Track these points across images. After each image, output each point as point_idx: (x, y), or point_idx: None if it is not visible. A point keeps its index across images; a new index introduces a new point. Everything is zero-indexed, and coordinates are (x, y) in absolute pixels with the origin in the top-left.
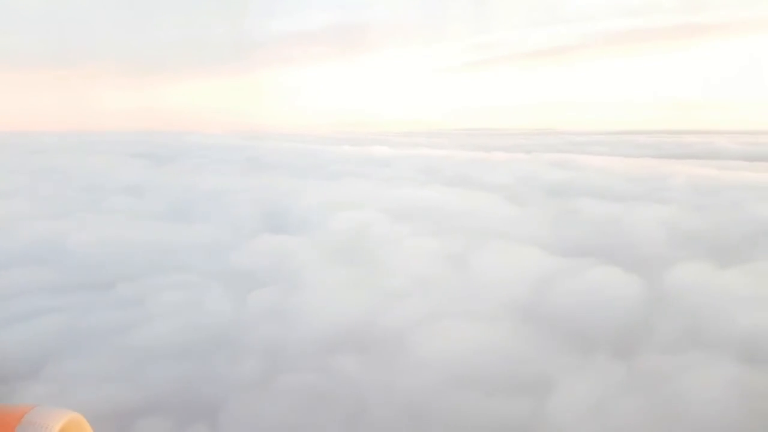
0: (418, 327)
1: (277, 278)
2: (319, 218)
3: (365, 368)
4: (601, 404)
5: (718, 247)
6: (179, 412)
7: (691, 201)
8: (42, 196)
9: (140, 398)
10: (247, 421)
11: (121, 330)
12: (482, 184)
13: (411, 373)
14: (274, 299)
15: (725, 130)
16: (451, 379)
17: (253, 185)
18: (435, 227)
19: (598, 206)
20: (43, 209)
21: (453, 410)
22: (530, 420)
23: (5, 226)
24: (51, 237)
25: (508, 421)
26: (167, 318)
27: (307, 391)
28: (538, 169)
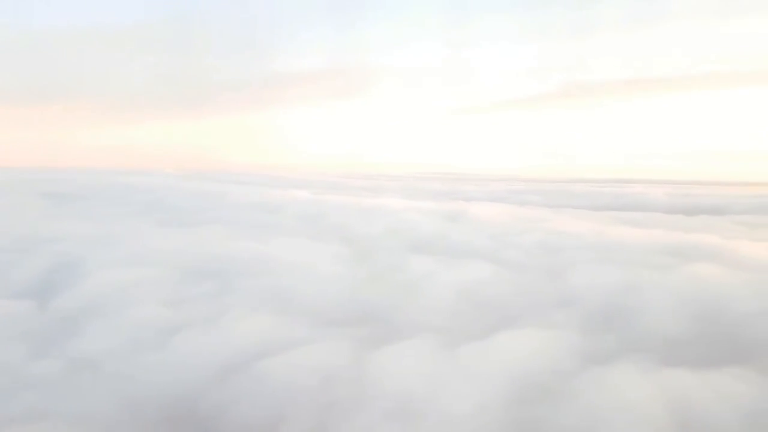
0: None
1: None
2: (90, 277)
3: None
4: None
5: (484, 319)
6: None
7: (525, 261)
8: None
9: None
10: None
11: None
12: (348, 236)
13: None
14: None
15: (669, 179)
16: None
17: (96, 232)
18: (214, 290)
19: (427, 265)
20: None
21: None
22: None
23: None
24: None
25: None
26: None
27: None
28: (424, 220)
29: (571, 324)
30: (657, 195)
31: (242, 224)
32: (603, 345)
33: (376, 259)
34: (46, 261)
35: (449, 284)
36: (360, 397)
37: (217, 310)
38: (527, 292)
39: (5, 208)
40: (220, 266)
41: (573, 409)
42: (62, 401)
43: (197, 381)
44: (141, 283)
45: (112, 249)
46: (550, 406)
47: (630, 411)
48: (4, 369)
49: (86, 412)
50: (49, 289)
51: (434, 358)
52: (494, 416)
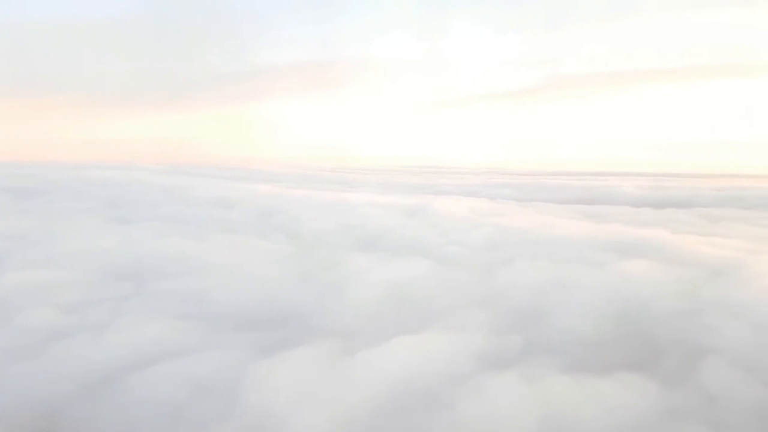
0: None
1: None
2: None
3: None
4: None
5: (399, 320)
6: None
7: (464, 257)
8: None
9: None
10: None
11: None
12: (295, 232)
13: None
14: None
15: (643, 172)
16: None
17: (34, 230)
18: (125, 292)
19: (364, 262)
20: None
21: None
22: None
23: None
24: None
25: None
26: None
27: None
28: (382, 215)
29: (483, 325)
30: (627, 188)
31: (191, 220)
32: (506, 348)
33: (315, 256)
34: None
35: (378, 283)
36: (223, 411)
37: (115, 315)
38: (453, 290)
39: None
40: (143, 266)
41: (441, 419)
42: None
43: (64, 393)
44: (50, 285)
45: (41, 248)
46: (419, 416)
47: (499, 422)
48: None
49: None
50: None
51: (323, 366)
52: (353, 428)
